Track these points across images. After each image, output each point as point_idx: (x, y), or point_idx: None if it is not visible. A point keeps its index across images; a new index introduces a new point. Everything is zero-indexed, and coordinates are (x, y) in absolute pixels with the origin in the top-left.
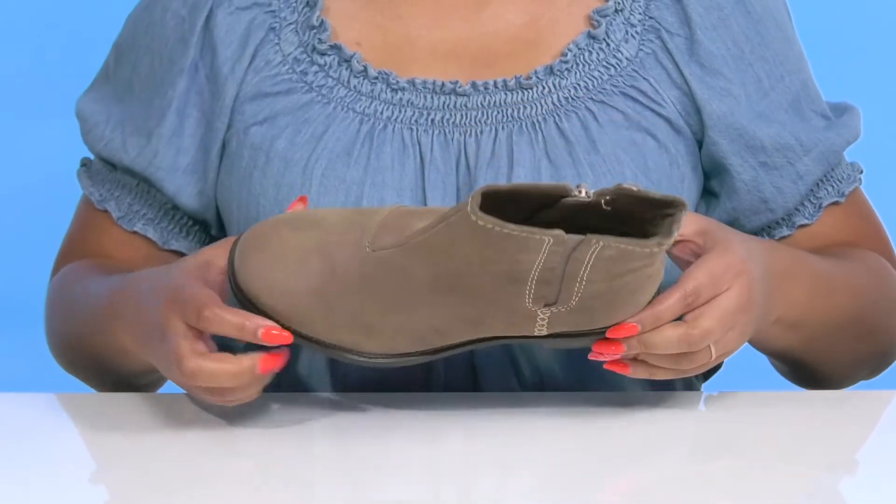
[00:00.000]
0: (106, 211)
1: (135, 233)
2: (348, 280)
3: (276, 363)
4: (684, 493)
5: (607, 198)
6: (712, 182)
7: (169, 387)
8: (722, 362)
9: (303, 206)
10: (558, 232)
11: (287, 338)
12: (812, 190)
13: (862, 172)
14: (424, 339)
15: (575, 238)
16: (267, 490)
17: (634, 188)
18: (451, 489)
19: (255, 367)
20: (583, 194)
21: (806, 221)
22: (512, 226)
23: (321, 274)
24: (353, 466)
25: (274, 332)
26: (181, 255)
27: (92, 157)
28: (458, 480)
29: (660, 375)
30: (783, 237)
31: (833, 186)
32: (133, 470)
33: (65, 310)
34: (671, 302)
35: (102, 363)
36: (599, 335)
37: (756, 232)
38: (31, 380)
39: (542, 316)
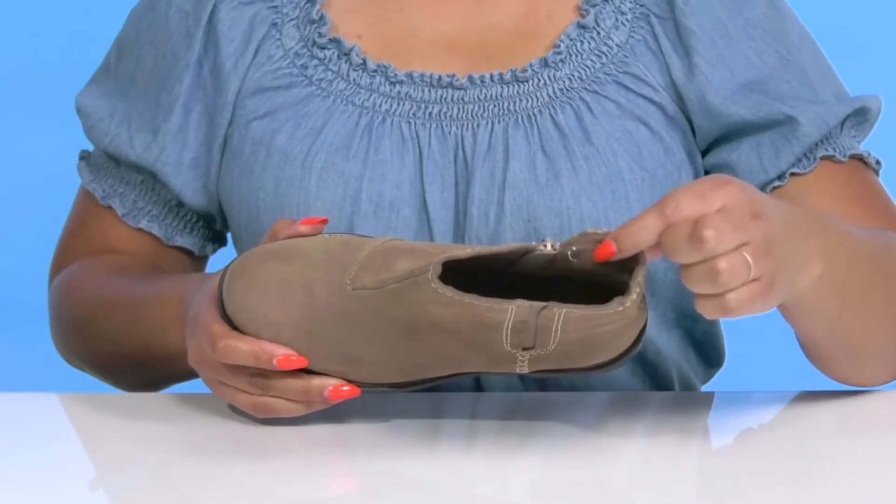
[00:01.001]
0: (109, 207)
1: (139, 229)
2: (330, 315)
3: (348, 394)
4: (685, 493)
5: (573, 249)
6: (712, 157)
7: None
8: (722, 362)
9: (322, 226)
10: (520, 302)
11: (303, 362)
12: (808, 150)
13: (879, 163)
14: (408, 372)
15: (537, 305)
16: (267, 490)
17: (600, 232)
18: (452, 489)
19: (324, 390)
20: (548, 248)
21: (798, 171)
22: (471, 297)
23: (303, 307)
24: (355, 466)
25: (290, 358)
26: (186, 251)
27: (90, 149)
28: (460, 481)
29: (697, 288)
30: (775, 188)
31: (831, 145)
32: (133, 470)
33: (88, 313)
34: (647, 217)
35: (143, 368)
36: (584, 371)
37: None
38: (32, 380)
39: (521, 358)
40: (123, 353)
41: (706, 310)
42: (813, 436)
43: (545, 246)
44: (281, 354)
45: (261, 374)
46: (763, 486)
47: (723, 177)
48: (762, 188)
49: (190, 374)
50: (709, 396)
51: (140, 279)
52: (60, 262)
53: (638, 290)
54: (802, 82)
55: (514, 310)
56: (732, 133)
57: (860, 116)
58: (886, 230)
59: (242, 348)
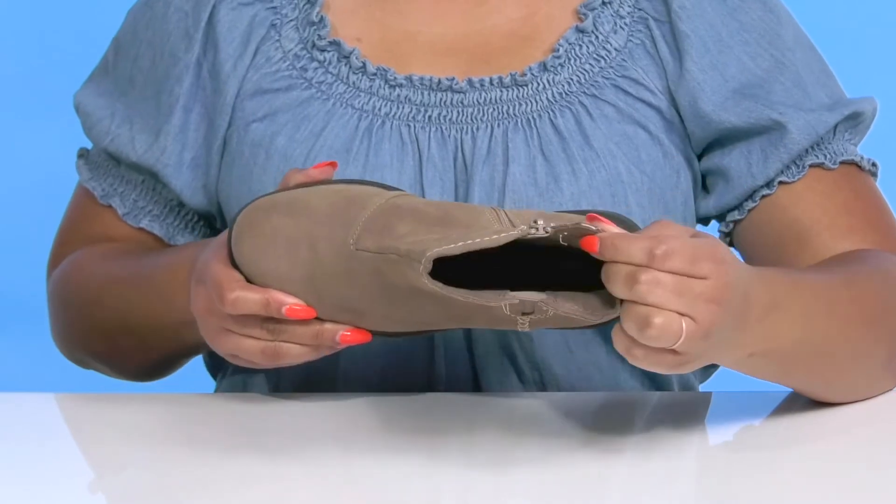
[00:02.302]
0: (109, 206)
1: (140, 229)
2: (335, 272)
3: (358, 339)
4: (685, 492)
5: (565, 234)
6: (706, 162)
7: (169, 387)
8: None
9: (331, 169)
10: (511, 297)
11: (310, 312)
12: (797, 157)
13: (874, 165)
14: (411, 325)
15: (529, 301)
16: (267, 490)
17: (594, 227)
18: (451, 489)
19: (335, 334)
20: (539, 232)
21: (786, 179)
22: (462, 293)
23: (309, 263)
24: (355, 467)
25: (297, 307)
26: None
27: (89, 147)
28: (459, 480)
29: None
30: (764, 196)
31: (821, 152)
32: (133, 470)
33: (92, 295)
34: (635, 247)
35: (151, 342)
36: (585, 327)
37: (740, 200)
38: (32, 380)
39: (521, 321)
40: (130, 327)
41: (616, 341)
42: (812, 436)
43: (537, 230)
44: (290, 303)
45: (272, 319)
46: (762, 486)
47: (721, 252)
48: (751, 194)
49: (197, 348)
50: (707, 396)
51: (145, 254)
52: (58, 257)
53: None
54: (796, 86)
55: (506, 306)
56: (725, 138)
57: (853, 120)
58: (872, 246)
59: (252, 297)
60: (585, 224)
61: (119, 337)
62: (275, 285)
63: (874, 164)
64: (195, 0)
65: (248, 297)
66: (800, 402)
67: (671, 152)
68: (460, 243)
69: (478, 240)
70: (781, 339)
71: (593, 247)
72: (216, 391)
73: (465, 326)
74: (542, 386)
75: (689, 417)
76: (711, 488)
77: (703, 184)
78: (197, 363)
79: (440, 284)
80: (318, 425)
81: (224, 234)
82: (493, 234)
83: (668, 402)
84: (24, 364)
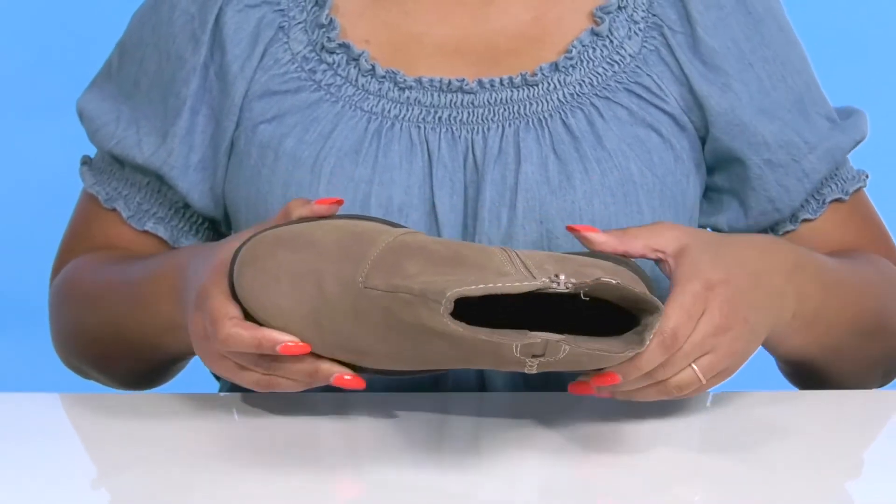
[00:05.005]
0: (114, 210)
1: (145, 232)
2: (340, 309)
3: (352, 385)
4: (685, 492)
5: (586, 290)
6: (717, 180)
7: (169, 387)
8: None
9: (337, 206)
10: (531, 336)
11: (305, 348)
12: (817, 188)
13: (867, 177)
14: (415, 365)
15: (545, 340)
16: (270, 490)
17: (614, 282)
18: (457, 489)
19: (330, 376)
20: (561, 286)
21: (809, 216)
22: (483, 332)
23: (314, 299)
24: (361, 466)
25: (290, 344)
26: None
27: (92, 155)
28: (465, 480)
29: (641, 397)
30: (787, 232)
31: (837, 184)
32: (134, 470)
33: (87, 301)
34: (651, 350)
35: (139, 349)
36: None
37: (762, 231)
38: (31, 380)
39: (530, 363)
40: (119, 334)
41: (633, 395)
42: (813, 436)
43: (557, 284)
44: (284, 341)
45: (267, 355)
46: (763, 486)
47: (703, 292)
48: (773, 226)
49: (183, 357)
50: (715, 396)
51: (136, 260)
52: (61, 265)
53: (648, 339)
54: (800, 113)
55: (520, 347)
56: (747, 153)
57: (858, 143)
58: (874, 253)
59: (245, 337)
60: (606, 279)
61: (109, 344)
62: (276, 320)
63: (866, 176)
64: (201, 2)
65: (242, 336)
66: (800, 403)
67: (682, 157)
68: (481, 286)
69: (499, 284)
70: (807, 299)
71: (615, 380)
72: (220, 391)
73: (470, 367)
74: (548, 387)
75: (691, 417)
76: (712, 488)
77: (707, 194)
78: (198, 363)
79: (462, 324)
80: (323, 425)
81: (220, 254)
82: (514, 282)
83: (669, 402)
84: (24, 364)
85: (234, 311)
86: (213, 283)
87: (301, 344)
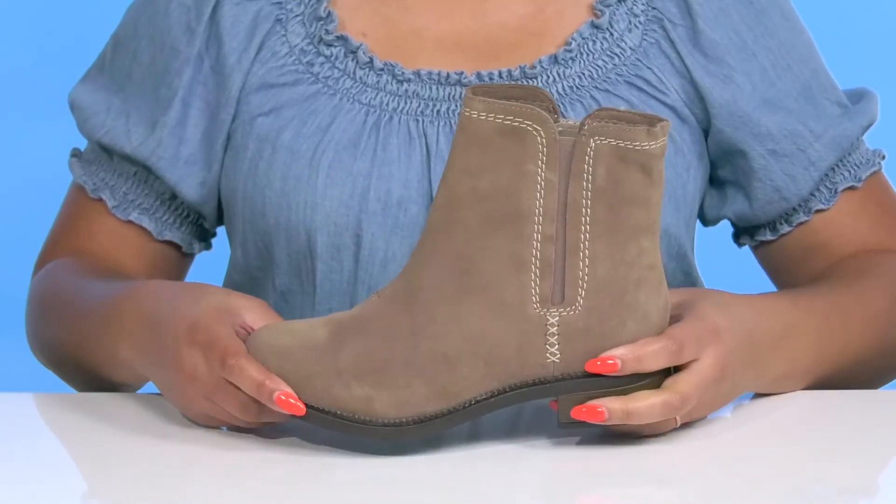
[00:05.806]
0: (100, 200)
1: (129, 222)
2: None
3: (290, 410)
4: (690, 493)
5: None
6: (722, 171)
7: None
8: None
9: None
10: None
11: (299, 409)
12: (827, 175)
13: (884, 158)
14: (436, 379)
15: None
16: (267, 490)
17: (620, 109)
18: (459, 484)
19: (273, 395)
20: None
21: (822, 206)
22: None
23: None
24: (358, 468)
25: (283, 397)
26: (174, 246)
27: (82, 148)
28: (465, 482)
29: (613, 429)
30: (801, 223)
31: (849, 171)
32: (129, 470)
33: (53, 311)
34: (655, 347)
35: (92, 369)
36: (607, 385)
37: (773, 221)
38: (32, 380)
39: (551, 321)
40: (80, 361)
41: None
42: (813, 435)
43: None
44: (283, 390)
45: (256, 401)
46: (763, 486)
47: (711, 335)
48: (784, 217)
49: (122, 387)
50: None
51: (101, 280)
52: (44, 257)
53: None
54: (812, 99)
55: (551, 123)
56: (751, 144)
57: (868, 127)
58: (890, 241)
59: (250, 374)
60: (609, 107)
61: (67, 360)
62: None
63: (883, 157)
64: None
65: (247, 372)
66: (800, 402)
67: (683, 149)
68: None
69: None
70: (799, 361)
71: (614, 368)
72: None
73: (492, 370)
74: None
75: None
76: (712, 488)
77: (713, 186)
78: None
79: (485, 100)
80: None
81: (214, 301)
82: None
83: None
84: (24, 364)
85: (244, 348)
86: (214, 319)
87: (296, 405)
